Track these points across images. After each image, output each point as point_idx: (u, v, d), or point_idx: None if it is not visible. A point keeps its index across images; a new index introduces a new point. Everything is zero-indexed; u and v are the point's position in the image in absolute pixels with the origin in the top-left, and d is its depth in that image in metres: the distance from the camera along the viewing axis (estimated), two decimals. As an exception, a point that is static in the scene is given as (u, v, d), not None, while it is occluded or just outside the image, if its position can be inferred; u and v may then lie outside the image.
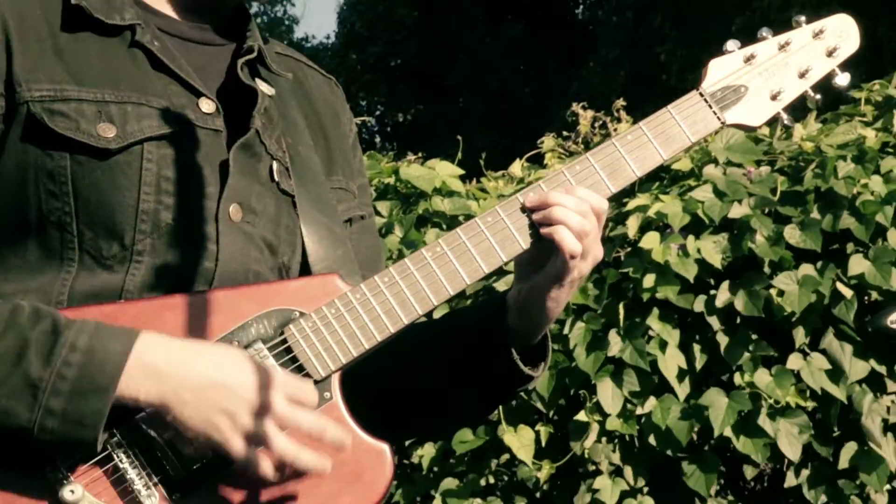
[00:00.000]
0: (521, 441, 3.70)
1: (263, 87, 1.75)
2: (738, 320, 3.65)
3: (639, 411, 3.64)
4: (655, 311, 3.67)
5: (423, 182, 4.09)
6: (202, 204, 1.63)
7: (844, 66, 1.90)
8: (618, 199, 3.89)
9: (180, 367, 1.50)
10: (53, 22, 1.64)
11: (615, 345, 3.64)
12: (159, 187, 1.61)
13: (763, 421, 3.55)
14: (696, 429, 3.63)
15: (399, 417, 1.85)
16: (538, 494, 3.80)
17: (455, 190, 4.13)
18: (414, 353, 1.82)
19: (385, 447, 1.61)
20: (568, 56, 22.34)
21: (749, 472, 3.71)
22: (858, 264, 3.60)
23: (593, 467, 3.74)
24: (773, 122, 1.89)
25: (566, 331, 3.66)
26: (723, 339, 3.64)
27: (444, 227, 4.05)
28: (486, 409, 2.05)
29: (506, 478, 3.84)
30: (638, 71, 18.86)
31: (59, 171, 1.59)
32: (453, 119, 20.54)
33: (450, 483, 3.79)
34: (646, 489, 3.72)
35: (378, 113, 25.13)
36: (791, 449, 3.55)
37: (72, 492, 1.49)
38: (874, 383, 3.62)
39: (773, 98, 1.86)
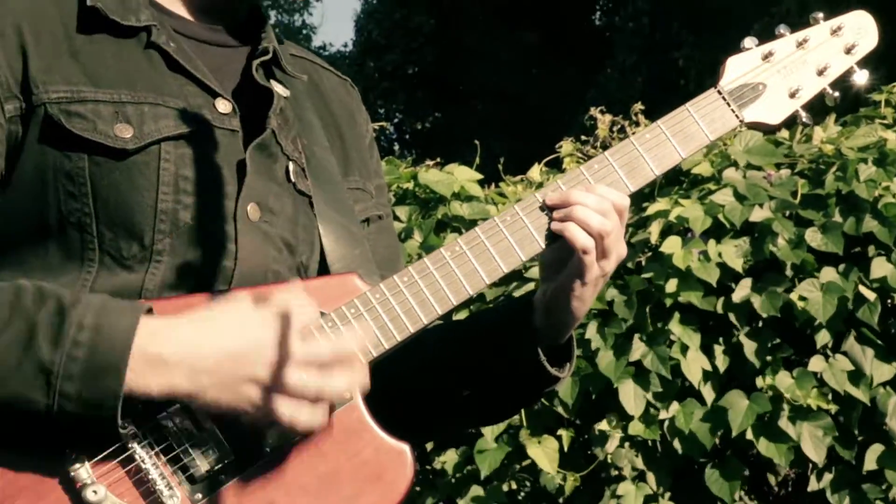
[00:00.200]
0: (544, 451, 3.68)
1: (279, 88, 1.75)
2: (761, 323, 3.63)
3: (662, 416, 3.63)
4: (676, 315, 3.65)
5: (441, 187, 4.08)
6: (220, 203, 1.63)
7: (863, 65, 1.88)
8: (638, 204, 3.87)
9: (187, 352, 1.48)
10: (69, 24, 1.64)
11: (637, 350, 3.62)
12: (177, 187, 1.61)
13: (785, 424, 3.53)
14: (719, 433, 3.61)
15: (420, 418, 1.84)
16: (561, 500, 3.78)
17: (474, 194, 4.12)
18: (437, 354, 1.80)
19: (405, 447, 1.61)
20: (585, 62, 22.32)
21: (772, 477, 3.69)
22: (881, 267, 3.58)
23: (616, 472, 3.72)
24: (791, 121, 1.86)
25: (587, 335, 3.65)
26: (746, 342, 3.62)
27: (463, 231, 4.02)
28: (511, 410, 2.02)
29: (528, 483, 3.83)
30: (655, 76, 18.83)
31: (78, 172, 1.59)
32: (471, 126, 20.51)
33: (476, 490, 3.78)
34: (668, 494, 3.70)
35: (396, 120, 25.14)
36: (816, 452, 3.52)
37: (95, 492, 1.48)
38: (899, 385, 3.60)
39: (792, 96, 1.83)
